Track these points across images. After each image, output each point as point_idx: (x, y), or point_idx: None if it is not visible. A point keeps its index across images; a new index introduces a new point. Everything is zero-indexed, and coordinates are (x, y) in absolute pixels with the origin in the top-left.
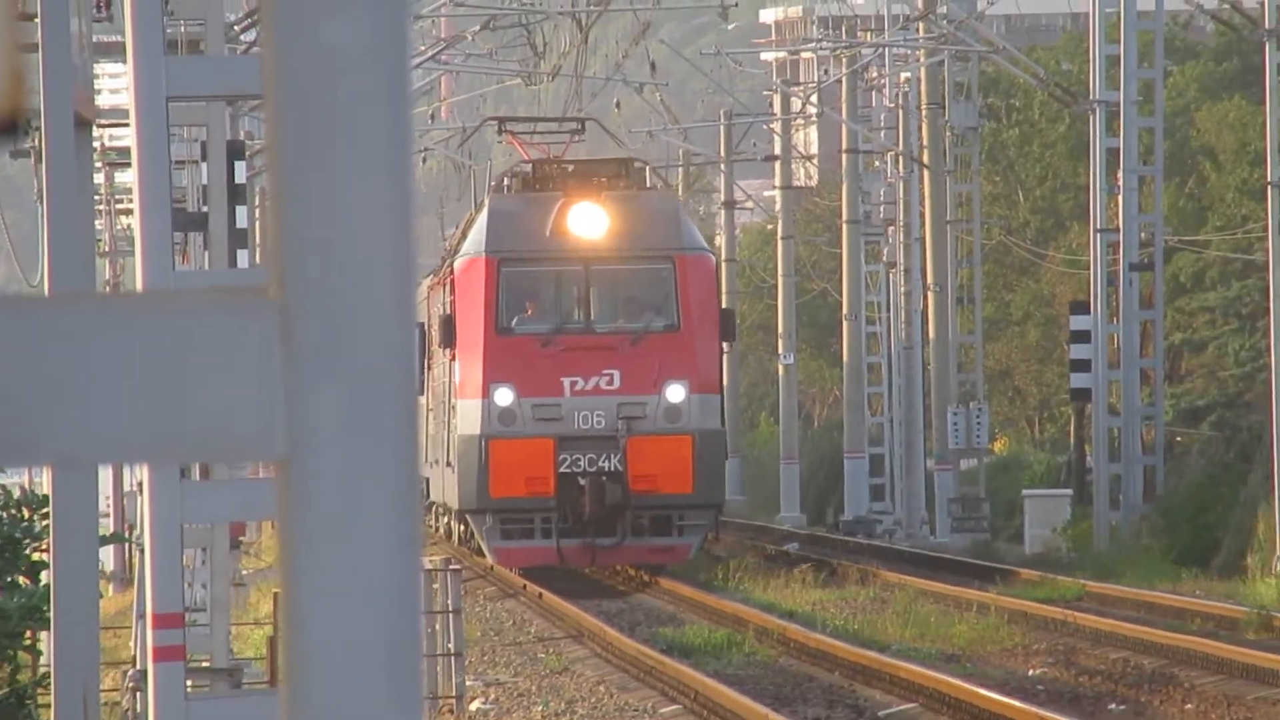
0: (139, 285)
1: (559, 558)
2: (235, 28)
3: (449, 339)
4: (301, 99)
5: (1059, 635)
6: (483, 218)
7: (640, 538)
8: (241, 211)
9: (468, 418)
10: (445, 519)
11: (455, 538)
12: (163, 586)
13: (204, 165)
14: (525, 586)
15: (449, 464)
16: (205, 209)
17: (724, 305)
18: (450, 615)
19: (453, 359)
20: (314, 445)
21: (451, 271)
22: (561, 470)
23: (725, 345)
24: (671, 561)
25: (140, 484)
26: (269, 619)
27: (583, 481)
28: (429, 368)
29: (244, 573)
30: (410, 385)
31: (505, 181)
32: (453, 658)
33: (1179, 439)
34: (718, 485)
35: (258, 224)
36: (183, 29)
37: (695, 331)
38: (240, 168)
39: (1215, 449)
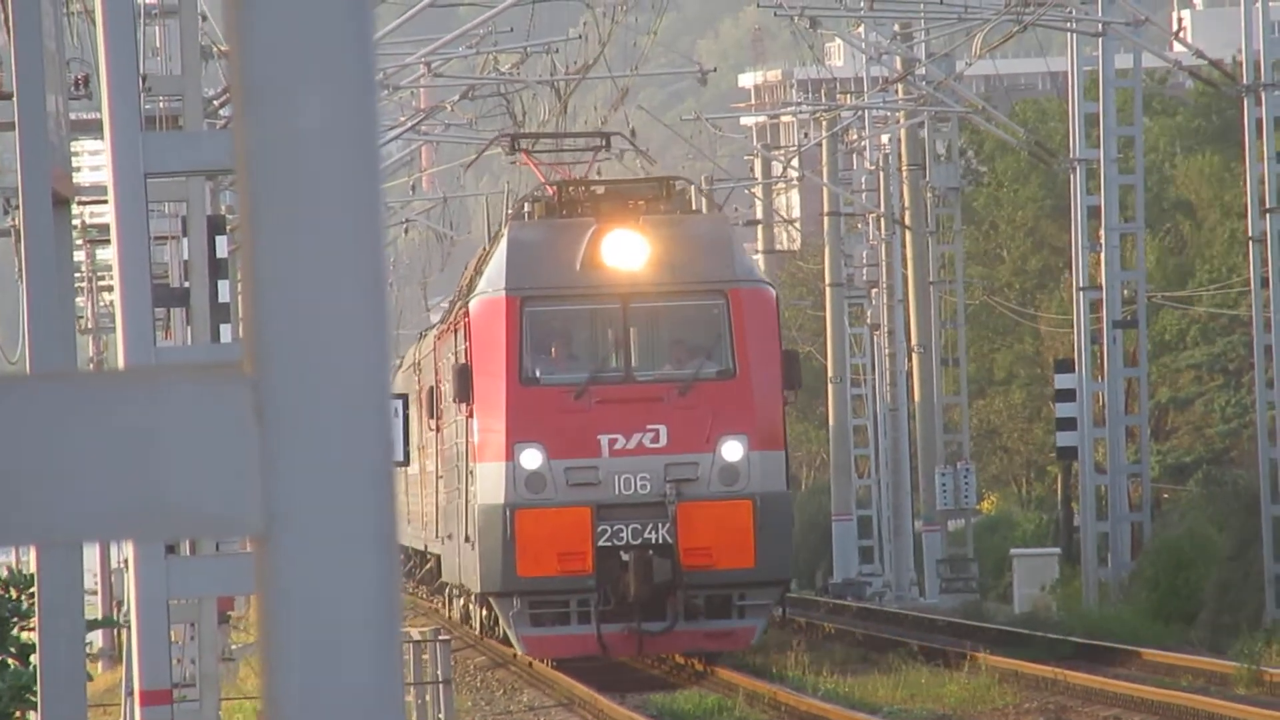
0: (120, 361)
1: (600, 647)
2: (214, 103)
3: (464, 392)
4: (273, 177)
5: (1050, 694)
6: (501, 249)
7: (694, 621)
8: (224, 286)
9: (489, 484)
10: (462, 602)
11: (477, 624)
12: (150, 663)
13: (185, 240)
14: (515, 655)
15: (467, 538)
16: (187, 284)
17: (785, 347)
18: (440, 685)
19: (470, 416)
20: (290, 521)
21: (466, 313)
22: (601, 544)
23: (789, 394)
24: (731, 648)
25: (126, 560)
26: (258, 693)
27: (626, 556)
28: (439, 428)
29: (233, 647)
30: (387, 460)
31: (526, 207)
32: None
33: (1166, 495)
34: (783, 558)
35: (240, 298)
36: (161, 105)
37: (754, 378)
38: (221, 242)
39: (1202, 505)
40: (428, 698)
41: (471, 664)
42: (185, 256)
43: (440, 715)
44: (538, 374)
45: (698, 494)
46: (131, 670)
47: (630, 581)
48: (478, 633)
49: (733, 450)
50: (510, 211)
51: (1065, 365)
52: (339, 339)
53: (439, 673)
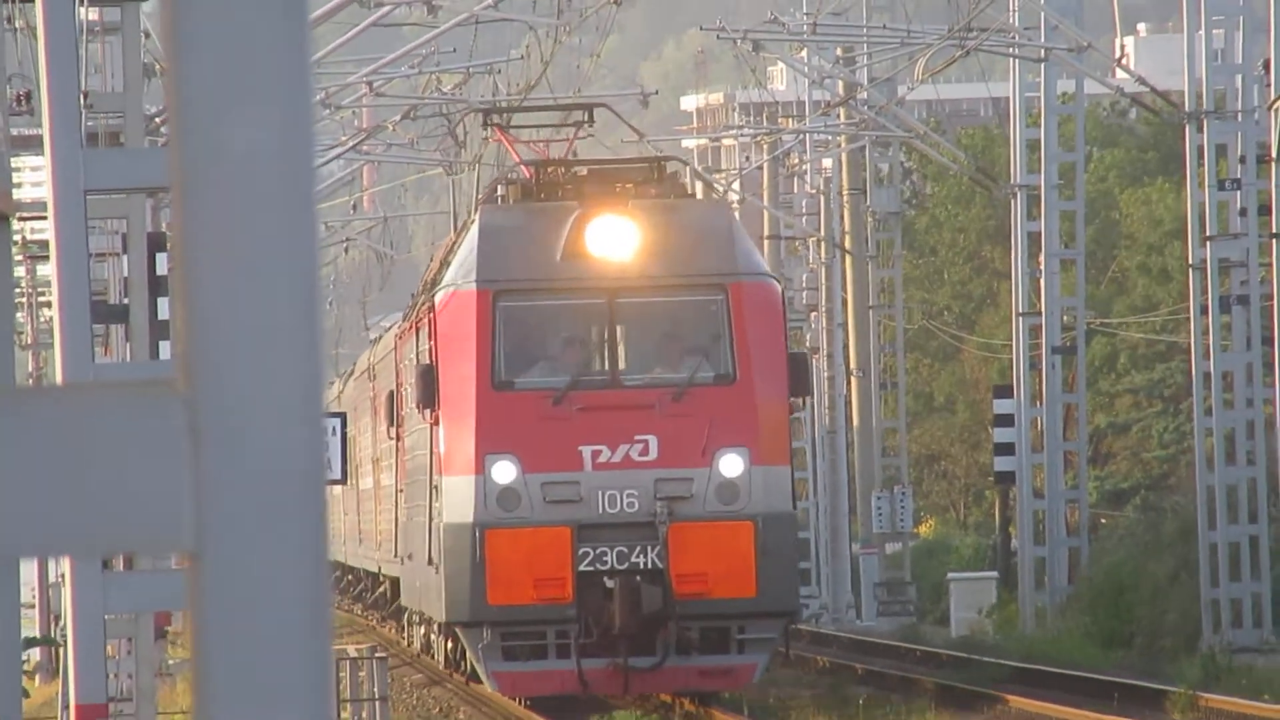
0: (59, 378)
1: (581, 684)
2: (155, 119)
3: (429, 397)
4: (208, 195)
5: (985, 718)
6: (471, 237)
7: (687, 657)
8: (164, 303)
9: (456, 501)
10: (423, 632)
11: (440, 657)
12: (86, 678)
13: (125, 257)
14: (452, 674)
15: (430, 561)
16: (127, 301)
17: (792, 348)
18: (377, 703)
19: (435, 423)
20: (222, 537)
21: (431, 309)
22: (582, 568)
23: (796, 402)
24: (729, 688)
25: (63, 575)
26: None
27: (610, 583)
28: (399, 437)
29: (170, 662)
30: (319, 478)
31: (499, 190)
32: None
33: (1104, 521)
34: (789, 586)
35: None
36: (102, 122)
37: (756, 383)
38: (162, 259)
39: (1139, 530)
40: (364, 715)
41: (408, 681)
42: (125, 273)
43: None
44: (512, 377)
45: (692, 514)
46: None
47: (615, 611)
48: (441, 666)
49: (732, 465)
50: (481, 195)
51: (1004, 390)
52: (273, 357)
53: (375, 690)
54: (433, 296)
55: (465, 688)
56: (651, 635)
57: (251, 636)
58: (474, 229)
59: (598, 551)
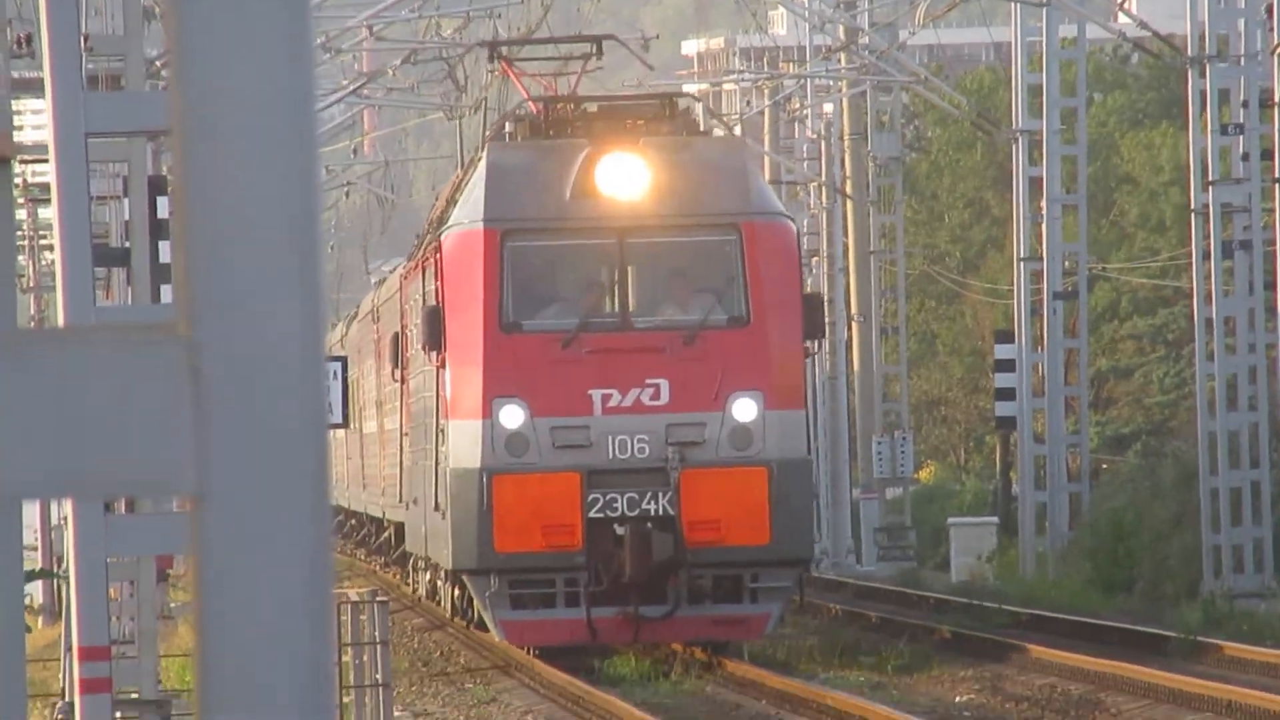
0: (61, 321)
1: (590, 633)
2: (156, 63)
3: (435, 339)
4: (208, 138)
5: (986, 662)
6: (479, 175)
7: (699, 606)
8: (164, 246)
9: (463, 445)
10: (429, 578)
11: (447, 605)
12: (88, 619)
13: (126, 200)
14: (453, 618)
15: (436, 506)
16: (128, 244)
17: (807, 289)
18: (378, 646)
19: (441, 366)
20: (225, 481)
21: (438, 249)
22: (592, 515)
23: (810, 344)
24: (742, 638)
25: (66, 518)
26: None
27: (621, 530)
28: (404, 379)
29: (172, 605)
30: (321, 420)
31: (508, 127)
32: (381, 689)
33: (1105, 465)
34: (803, 533)
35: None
36: (104, 65)
37: (770, 326)
38: (163, 202)
39: (1140, 476)
40: (365, 658)
41: (409, 625)
42: (126, 217)
43: (378, 676)
44: (520, 319)
45: (705, 459)
46: (71, 626)
47: (626, 559)
48: (448, 615)
49: (745, 409)
50: (489, 132)
51: (1005, 336)
52: (273, 301)
53: (376, 634)
54: (439, 236)
55: (466, 632)
56: (662, 584)
57: (254, 579)
58: (481, 167)
59: (608, 498)
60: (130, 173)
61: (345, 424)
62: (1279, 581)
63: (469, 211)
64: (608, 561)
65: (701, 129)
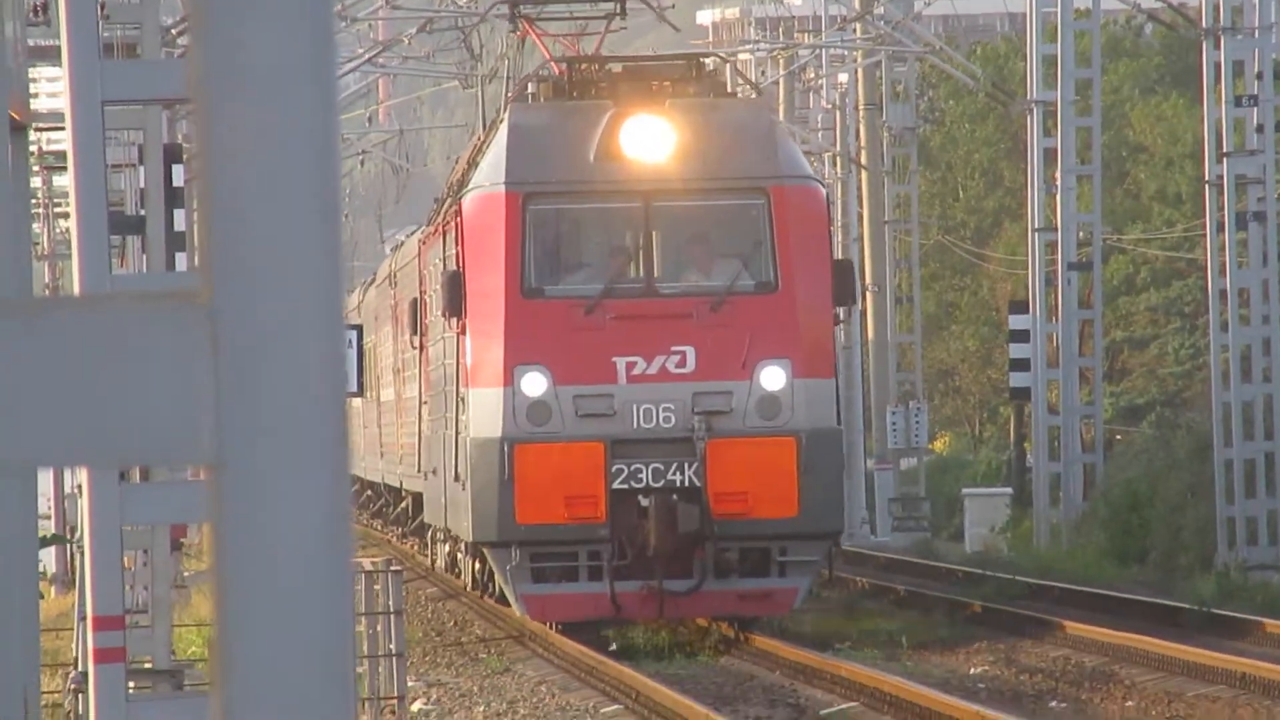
0: (76, 289)
1: (614, 608)
2: (172, 31)
3: (455, 305)
4: (229, 105)
5: (1000, 633)
6: (501, 137)
7: (726, 580)
8: (180, 215)
9: (484, 414)
10: (448, 549)
11: (467, 578)
12: (103, 588)
13: (142, 168)
14: (467, 587)
15: (456, 477)
16: (143, 212)
17: (837, 255)
18: (392, 616)
19: (461, 332)
20: (243, 449)
21: (458, 212)
22: (615, 486)
23: (840, 311)
24: (770, 613)
25: (80, 486)
26: (211, 621)
27: (645, 502)
28: (422, 346)
29: (185, 574)
30: (341, 390)
31: (530, 88)
32: (394, 658)
33: (1119, 437)
34: (833, 506)
35: (195, 227)
36: (119, 33)
37: (799, 292)
38: (178, 171)
39: (1155, 447)
40: (379, 628)
41: (423, 594)
42: (141, 184)
43: (391, 646)
44: (543, 285)
45: (731, 429)
46: (84, 595)
47: (650, 531)
48: (468, 588)
49: (774, 378)
50: (511, 93)
51: (1019, 306)
52: (294, 269)
53: (390, 603)
54: (460, 199)
55: (480, 602)
56: (688, 557)
57: (273, 548)
58: (503, 128)
59: (632, 468)
60: (146, 140)
61: (360, 393)
62: None
63: (490, 174)
64: (632, 534)
65: (728, 90)
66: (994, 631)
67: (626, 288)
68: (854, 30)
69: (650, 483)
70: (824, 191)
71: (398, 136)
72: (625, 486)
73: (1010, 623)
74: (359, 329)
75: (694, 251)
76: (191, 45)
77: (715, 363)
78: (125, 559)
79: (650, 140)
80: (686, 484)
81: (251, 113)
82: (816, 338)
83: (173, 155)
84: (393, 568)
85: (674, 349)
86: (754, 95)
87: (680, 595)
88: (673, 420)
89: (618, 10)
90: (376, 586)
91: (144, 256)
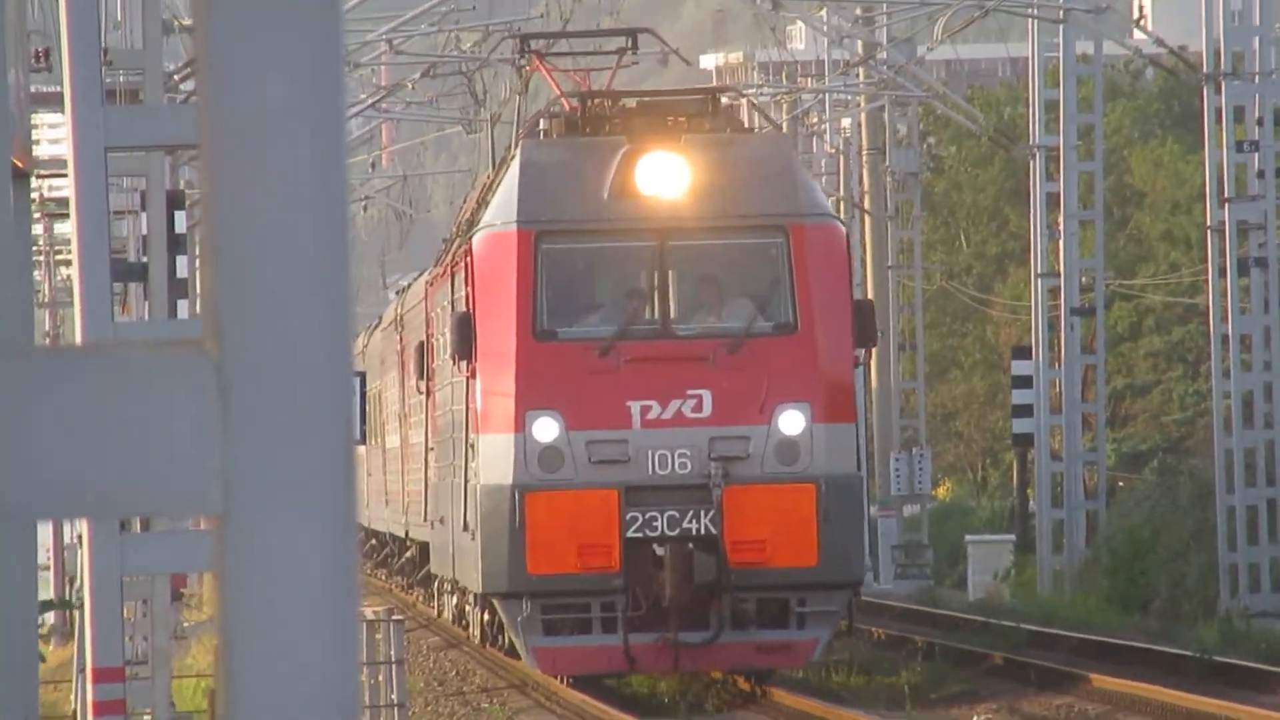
0: (78, 336)
1: (628, 662)
2: (174, 77)
3: (465, 347)
4: (237, 151)
5: (1004, 681)
6: (512, 174)
7: (743, 631)
8: (182, 261)
9: (494, 460)
10: (456, 601)
11: (476, 630)
12: (102, 640)
13: (144, 215)
14: (469, 636)
15: (465, 526)
16: (145, 259)
17: (857, 296)
18: (393, 666)
19: (471, 376)
20: (250, 499)
21: (468, 252)
22: (630, 534)
23: (861, 353)
24: (788, 665)
25: (80, 536)
26: (210, 671)
27: (660, 551)
28: (429, 391)
29: (185, 625)
30: (348, 439)
31: (542, 124)
32: (396, 709)
33: (1121, 484)
34: (853, 554)
35: (198, 274)
36: (121, 79)
37: (819, 333)
38: (180, 217)
39: (1158, 493)
40: (380, 678)
41: (425, 644)
42: (144, 231)
43: (393, 696)
44: (555, 327)
45: (749, 475)
46: (84, 647)
47: (665, 581)
48: (477, 641)
49: (792, 422)
50: (522, 130)
51: (1023, 352)
52: (302, 317)
53: (392, 653)
54: (469, 238)
55: (482, 651)
56: (704, 608)
57: (279, 598)
58: (514, 165)
59: (647, 516)
60: (148, 187)
61: (362, 440)
62: None
63: (502, 212)
64: (646, 584)
65: (746, 126)
66: (998, 680)
67: (641, 329)
68: (857, 75)
69: (665, 531)
70: (844, 230)
71: (401, 182)
72: (640, 535)
73: (1014, 671)
74: (362, 376)
75: (710, 292)
76: (199, 90)
77: (732, 407)
78: (125, 609)
79: (665, 177)
80: (703, 532)
81: (259, 159)
82: (837, 380)
83: (175, 202)
84: (394, 617)
85: (690, 392)
86: (773, 130)
87: (696, 647)
88: (689, 466)
89: (628, 46)
90: (378, 636)
91: (146, 303)
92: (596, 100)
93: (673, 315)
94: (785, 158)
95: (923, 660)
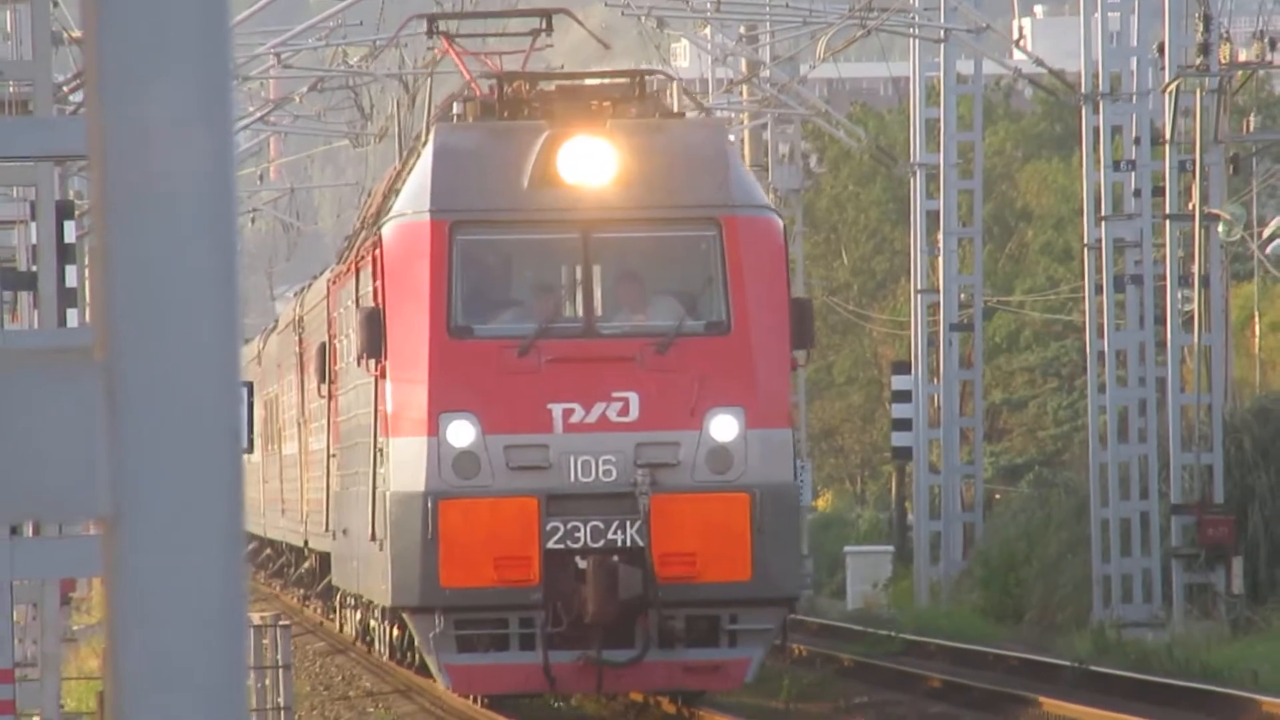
0: None
1: (547, 680)
2: (64, 88)
3: (374, 346)
4: (126, 162)
5: (880, 689)
6: (425, 161)
7: (671, 650)
8: (71, 271)
9: (405, 466)
10: (360, 617)
11: (384, 646)
12: None
13: (33, 224)
14: (355, 642)
15: (373, 536)
16: (35, 268)
17: (794, 294)
18: (280, 670)
19: (381, 376)
20: (138, 504)
21: (378, 244)
22: (550, 546)
23: (799, 355)
24: (719, 687)
25: None
26: (100, 674)
27: (582, 563)
28: (331, 395)
29: (75, 628)
30: (235, 445)
31: (456, 108)
32: (282, 712)
33: (998, 496)
34: (789, 569)
35: (87, 283)
36: (11, 89)
37: (753, 334)
38: (70, 227)
39: (1033, 506)
40: (267, 682)
41: (311, 649)
42: (33, 241)
43: (280, 700)
44: (471, 324)
45: (678, 484)
46: None
47: (588, 597)
48: (386, 656)
49: (725, 427)
50: (435, 113)
51: (902, 367)
52: (190, 326)
53: (279, 658)
54: (378, 230)
55: (368, 656)
56: (630, 624)
57: (167, 602)
58: (427, 151)
59: (569, 526)
60: (38, 197)
61: (250, 449)
62: (1167, 611)
63: (414, 201)
64: (568, 599)
65: (675, 110)
66: (873, 687)
67: (563, 328)
68: (740, 93)
69: (588, 542)
70: (781, 223)
71: (288, 194)
72: (561, 546)
73: (890, 678)
74: (250, 386)
75: (637, 288)
76: (88, 102)
77: (661, 411)
78: (14, 612)
79: (590, 165)
80: (628, 544)
81: (147, 169)
82: (772, 384)
83: (64, 211)
84: (281, 622)
85: (615, 395)
86: (704, 115)
87: (621, 667)
88: (613, 473)
89: (543, 27)
90: (265, 641)
91: (35, 312)
92: (515, 82)
93: (597, 313)
94: (718, 145)
95: (798, 665)
